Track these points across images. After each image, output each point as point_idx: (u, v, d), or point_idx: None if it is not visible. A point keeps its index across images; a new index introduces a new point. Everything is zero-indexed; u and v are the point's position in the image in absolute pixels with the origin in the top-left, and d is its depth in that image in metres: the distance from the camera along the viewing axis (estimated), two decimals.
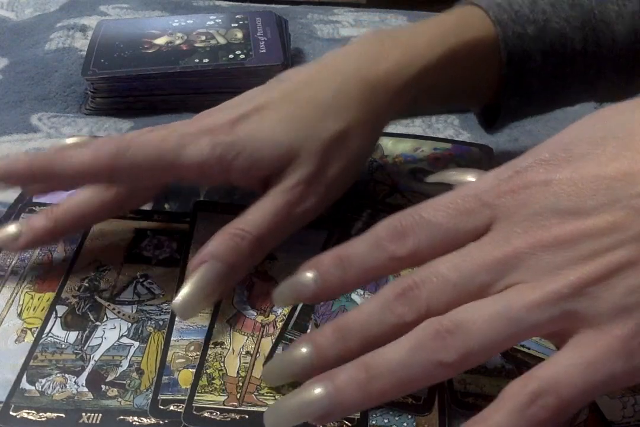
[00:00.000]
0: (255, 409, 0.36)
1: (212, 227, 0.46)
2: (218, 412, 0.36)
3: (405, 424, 0.36)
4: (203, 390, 0.37)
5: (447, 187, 0.42)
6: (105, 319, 0.41)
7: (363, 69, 0.42)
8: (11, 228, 0.42)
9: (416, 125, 0.62)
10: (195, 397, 0.36)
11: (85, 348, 0.39)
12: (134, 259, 0.45)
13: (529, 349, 0.40)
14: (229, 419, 0.36)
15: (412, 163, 0.55)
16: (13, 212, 0.48)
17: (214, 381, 0.37)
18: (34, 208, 0.48)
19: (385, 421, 0.36)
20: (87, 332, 0.40)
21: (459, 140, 0.60)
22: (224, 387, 0.37)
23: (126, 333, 0.40)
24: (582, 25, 0.47)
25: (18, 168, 0.39)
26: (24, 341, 0.39)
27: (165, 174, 0.41)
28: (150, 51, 0.65)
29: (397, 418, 0.36)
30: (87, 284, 0.43)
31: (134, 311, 0.41)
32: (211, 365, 0.38)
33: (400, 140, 0.58)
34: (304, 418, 0.31)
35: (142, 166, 0.39)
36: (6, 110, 0.62)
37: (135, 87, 0.63)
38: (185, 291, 0.37)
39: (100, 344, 0.39)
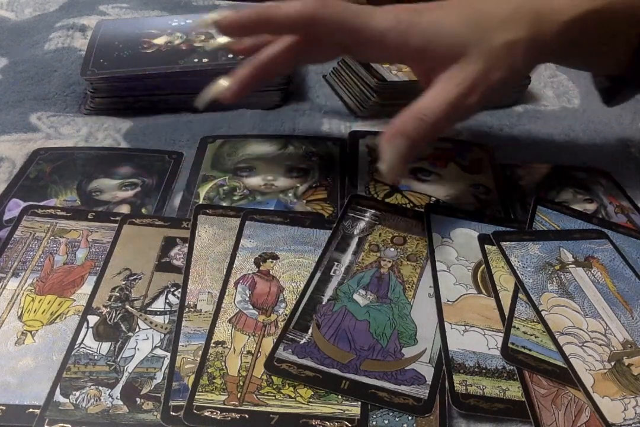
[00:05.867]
0: (255, 408, 0.36)
1: (212, 230, 0.47)
2: (218, 411, 0.36)
3: (405, 425, 0.36)
4: (204, 389, 0.37)
5: None
6: (137, 329, 0.40)
7: (536, 1, 0.47)
8: (221, 81, 0.51)
9: None
10: (195, 396, 0.36)
11: (118, 360, 0.39)
12: (164, 268, 0.45)
13: (530, 350, 0.40)
14: (229, 418, 0.36)
15: (412, 163, 0.55)
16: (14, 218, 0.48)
17: (214, 380, 0.37)
18: (36, 210, 0.48)
19: (386, 422, 0.36)
20: (119, 343, 0.39)
21: (460, 140, 0.60)
22: (224, 387, 0.37)
23: (159, 344, 0.40)
24: None
25: (244, 16, 0.47)
26: (23, 343, 0.39)
27: (353, 34, 0.46)
28: (149, 51, 0.65)
29: (397, 419, 0.36)
30: (117, 294, 0.42)
31: (166, 321, 0.41)
32: (212, 364, 0.38)
33: None
34: None
35: (337, 22, 0.45)
36: (6, 109, 0.62)
37: (135, 87, 0.63)
38: (385, 159, 0.44)
39: (133, 356, 0.39)
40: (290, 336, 0.40)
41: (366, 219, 0.48)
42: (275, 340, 0.40)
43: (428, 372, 0.39)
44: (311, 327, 0.41)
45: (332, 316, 0.41)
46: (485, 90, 0.45)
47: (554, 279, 0.45)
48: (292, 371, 0.38)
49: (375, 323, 0.41)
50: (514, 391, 0.38)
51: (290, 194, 0.51)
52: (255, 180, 0.53)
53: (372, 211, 0.49)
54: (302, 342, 0.40)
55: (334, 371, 0.38)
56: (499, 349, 0.40)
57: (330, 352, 0.39)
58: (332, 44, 0.49)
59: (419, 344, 0.40)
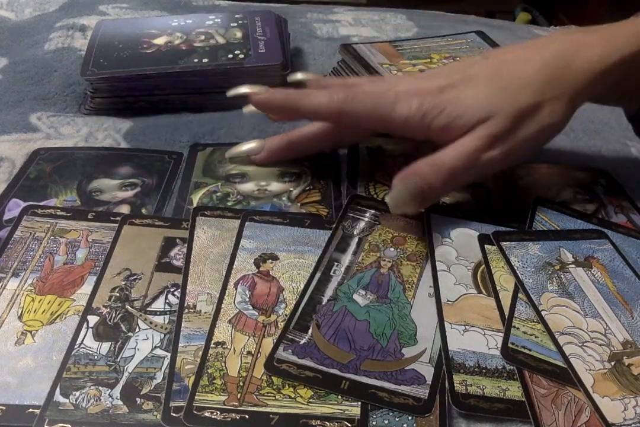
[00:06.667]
0: (255, 409, 0.36)
1: (210, 231, 0.47)
2: (218, 412, 0.36)
3: (405, 425, 0.36)
4: (204, 390, 0.37)
5: None
6: (137, 329, 0.40)
7: (566, 55, 0.47)
8: (255, 142, 0.55)
9: None
10: (196, 397, 0.36)
11: (118, 360, 0.39)
12: (164, 268, 0.45)
13: (530, 350, 0.40)
14: (230, 418, 0.36)
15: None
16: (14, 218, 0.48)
17: (214, 381, 0.37)
18: (36, 210, 0.48)
19: (386, 422, 0.36)
20: (119, 343, 0.39)
21: None
22: (224, 387, 0.37)
23: (159, 344, 0.40)
24: None
25: (275, 99, 0.50)
26: (23, 343, 0.39)
27: (378, 123, 0.49)
28: (149, 51, 0.65)
29: (397, 419, 0.36)
30: (117, 294, 0.42)
31: (166, 321, 0.41)
32: (212, 365, 0.38)
33: (400, 141, 0.58)
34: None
35: (362, 114, 0.47)
36: (6, 109, 0.62)
37: (135, 87, 0.63)
38: (392, 193, 0.45)
39: (133, 356, 0.39)
40: (290, 336, 0.40)
41: (366, 219, 0.48)
42: (275, 340, 0.40)
43: (428, 372, 0.39)
44: (311, 328, 0.41)
45: (332, 316, 0.41)
46: (510, 146, 0.46)
47: (554, 279, 0.45)
48: (292, 371, 0.38)
49: (375, 323, 0.41)
50: (514, 391, 0.38)
51: (284, 198, 0.51)
52: (248, 186, 0.53)
53: (372, 211, 0.49)
54: (302, 342, 0.40)
55: (334, 371, 0.38)
56: (499, 349, 0.40)
57: (330, 352, 0.39)
58: (360, 129, 0.54)
59: (419, 344, 0.40)
